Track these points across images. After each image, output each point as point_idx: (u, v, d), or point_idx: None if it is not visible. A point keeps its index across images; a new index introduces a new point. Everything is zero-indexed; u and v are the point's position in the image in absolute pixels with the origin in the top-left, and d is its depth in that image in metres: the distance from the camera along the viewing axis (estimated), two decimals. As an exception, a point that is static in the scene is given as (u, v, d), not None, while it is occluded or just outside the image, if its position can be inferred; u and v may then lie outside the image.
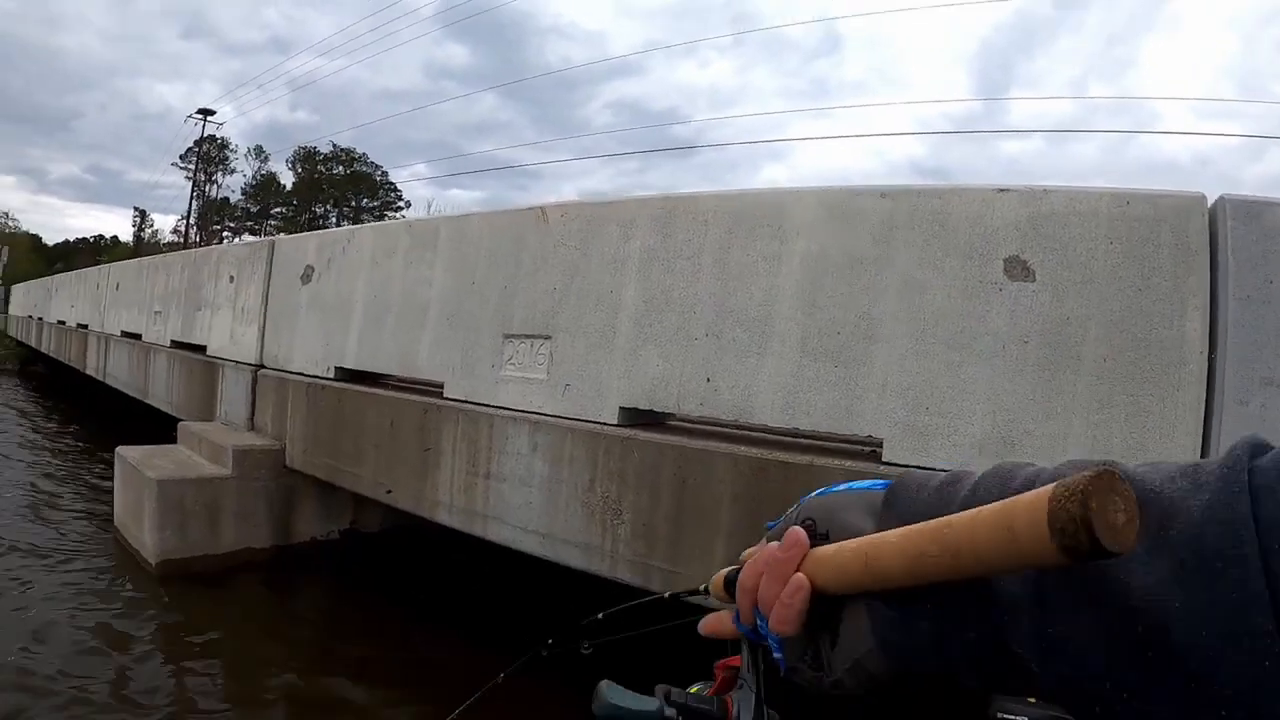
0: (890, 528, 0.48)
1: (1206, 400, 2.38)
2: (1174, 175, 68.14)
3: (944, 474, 0.53)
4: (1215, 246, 2.42)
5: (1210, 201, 2.50)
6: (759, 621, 0.55)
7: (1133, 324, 2.49)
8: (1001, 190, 2.80)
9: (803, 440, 3.13)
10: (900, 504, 0.52)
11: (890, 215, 2.86)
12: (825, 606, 0.51)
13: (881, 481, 0.56)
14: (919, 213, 2.83)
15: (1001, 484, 0.47)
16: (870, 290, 2.83)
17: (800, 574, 0.51)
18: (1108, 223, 2.58)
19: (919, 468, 2.63)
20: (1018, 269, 2.70)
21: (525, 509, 3.51)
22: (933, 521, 0.44)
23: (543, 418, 3.51)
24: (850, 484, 0.57)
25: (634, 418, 3.29)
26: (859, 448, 2.98)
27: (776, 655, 0.56)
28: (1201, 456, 2.37)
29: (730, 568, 0.63)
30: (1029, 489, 0.39)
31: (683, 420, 3.40)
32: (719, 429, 3.32)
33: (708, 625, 0.67)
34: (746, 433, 3.23)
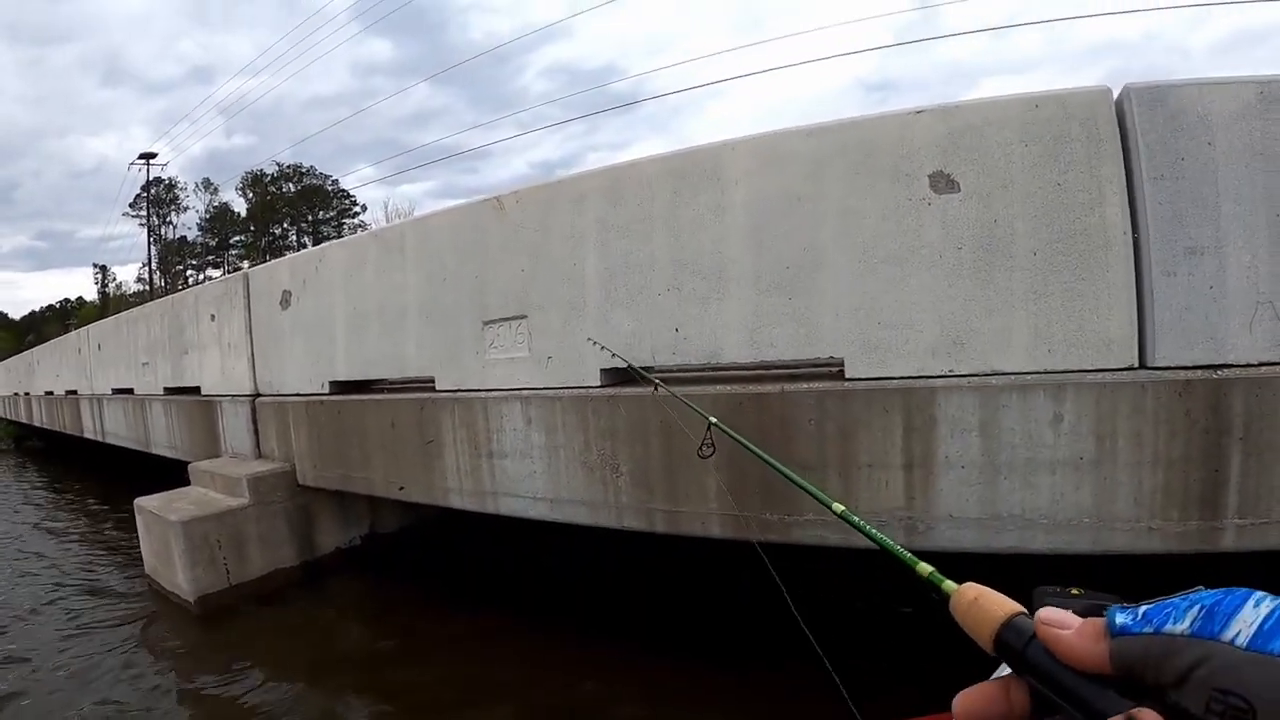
0: None
1: (1136, 277, 2.63)
2: (1121, 53, 66.69)
3: None
4: (1125, 134, 2.65)
5: (1116, 93, 2.72)
6: None
7: (1056, 217, 2.72)
8: (918, 112, 3.01)
9: (772, 371, 3.37)
10: None
11: (818, 152, 3.08)
12: None
13: None
14: (845, 145, 3.04)
15: None
16: (810, 223, 3.05)
17: None
18: (1020, 126, 2.79)
19: (880, 379, 2.89)
20: (943, 182, 2.92)
21: (530, 479, 3.75)
22: None
23: (532, 392, 3.75)
24: None
25: (615, 377, 3.53)
26: (823, 369, 3.22)
27: None
28: (1139, 329, 2.62)
29: (1010, 624, 0.45)
30: None
31: (661, 371, 3.63)
32: (694, 374, 3.55)
33: (969, 707, 0.46)
34: (719, 373, 3.47)
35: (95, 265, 61.96)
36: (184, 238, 52.63)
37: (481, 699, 3.63)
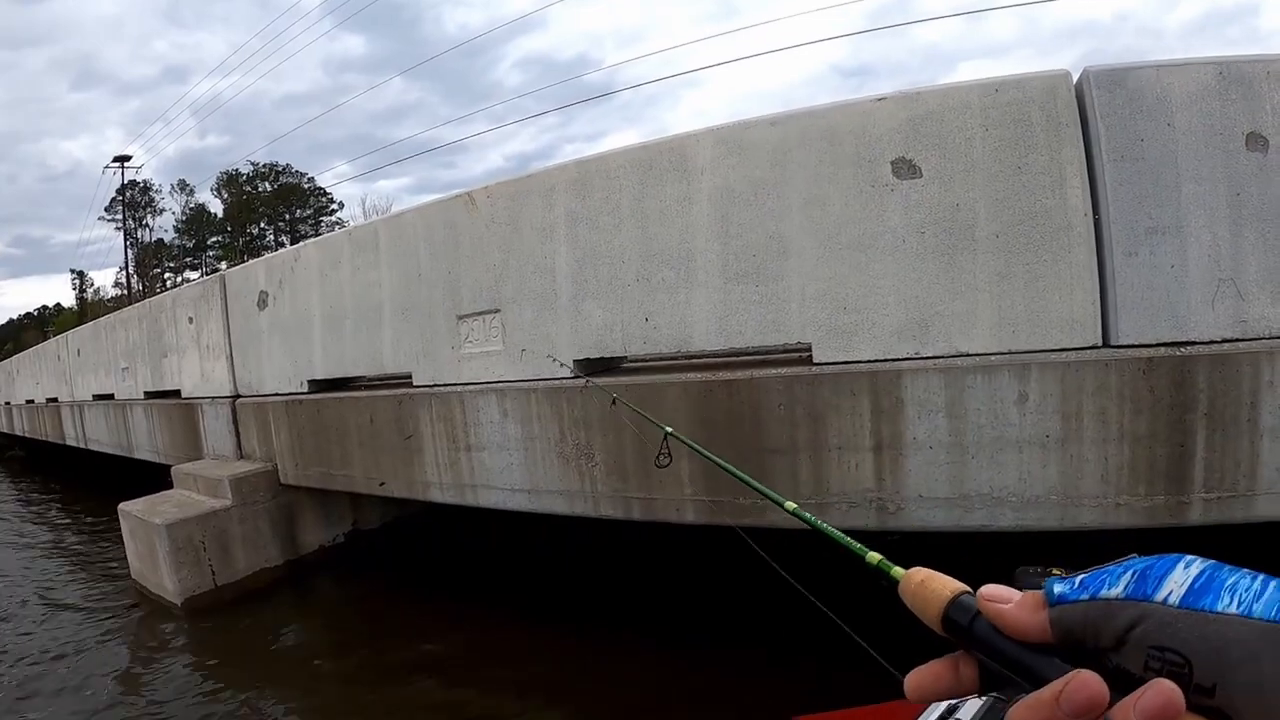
0: None
1: (1098, 257, 2.66)
2: (1095, 35, 67.10)
3: None
4: (1085, 116, 2.68)
5: (1075, 76, 2.75)
6: None
7: (1018, 200, 2.76)
8: (880, 99, 3.04)
9: (742, 357, 3.40)
10: None
11: (782, 141, 3.10)
12: None
13: None
14: (808, 133, 3.07)
15: None
16: (776, 212, 3.08)
17: None
18: (981, 112, 2.82)
19: (847, 363, 2.92)
20: (905, 168, 2.95)
21: (508, 471, 3.77)
22: None
23: (507, 384, 3.77)
24: (1239, 579, 0.37)
25: (588, 367, 3.55)
26: (792, 355, 3.26)
27: None
28: (1101, 309, 2.66)
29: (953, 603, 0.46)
30: None
31: (633, 361, 3.66)
32: (665, 362, 3.58)
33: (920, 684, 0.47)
34: (690, 360, 3.50)
35: (72, 271, 61.57)
36: (161, 240, 52.13)
37: (452, 679, 3.72)
